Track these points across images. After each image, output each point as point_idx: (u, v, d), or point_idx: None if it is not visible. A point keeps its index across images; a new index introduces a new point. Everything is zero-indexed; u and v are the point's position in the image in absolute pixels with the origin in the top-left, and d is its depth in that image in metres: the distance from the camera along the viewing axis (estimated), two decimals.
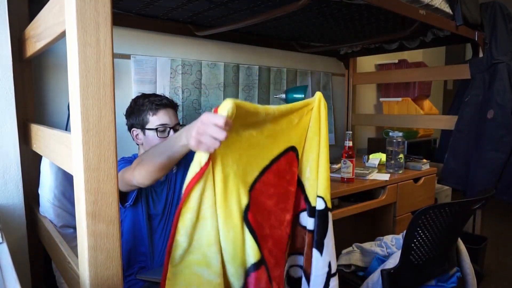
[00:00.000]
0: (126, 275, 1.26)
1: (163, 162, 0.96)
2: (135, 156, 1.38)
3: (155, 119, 1.30)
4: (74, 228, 1.25)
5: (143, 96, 1.35)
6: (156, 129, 1.30)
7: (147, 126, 1.31)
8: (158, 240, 1.37)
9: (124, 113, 1.37)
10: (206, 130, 0.78)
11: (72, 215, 1.23)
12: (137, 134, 1.34)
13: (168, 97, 1.40)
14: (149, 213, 1.34)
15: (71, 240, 1.20)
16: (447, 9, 1.70)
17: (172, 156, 0.95)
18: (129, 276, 1.25)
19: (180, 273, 0.85)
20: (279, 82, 2.29)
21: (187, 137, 0.84)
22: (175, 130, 1.34)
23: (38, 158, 1.34)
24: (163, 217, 1.38)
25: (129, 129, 1.36)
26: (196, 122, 0.81)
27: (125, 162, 1.31)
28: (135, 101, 1.34)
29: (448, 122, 2.19)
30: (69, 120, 1.48)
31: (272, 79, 2.24)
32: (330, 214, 1.09)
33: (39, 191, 1.26)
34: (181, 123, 1.40)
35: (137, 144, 1.40)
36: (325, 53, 2.55)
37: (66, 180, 1.25)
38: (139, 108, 1.32)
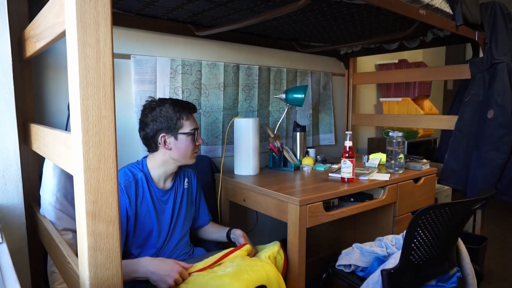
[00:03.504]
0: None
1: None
2: (143, 162, 1.37)
3: (189, 124, 1.33)
4: (75, 231, 1.24)
5: (166, 101, 1.33)
6: (192, 133, 1.33)
7: (182, 131, 1.32)
8: (164, 244, 1.38)
9: (142, 119, 1.34)
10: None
11: (74, 218, 1.23)
12: (166, 140, 1.32)
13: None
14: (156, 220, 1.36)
15: (70, 246, 1.19)
16: (447, 9, 1.70)
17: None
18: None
19: None
20: (279, 82, 2.29)
21: (155, 281, 1.14)
22: None
23: (38, 158, 1.34)
24: (171, 225, 1.39)
25: (151, 136, 1.32)
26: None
27: (126, 175, 1.31)
28: (159, 105, 1.31)
29: (448, 122, 2.19)
30: (69, 120, 1.48)
31: (272, 79, 2.24)
32: None
33: (41, 192, 1.25)
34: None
35: (150, 152, 1.36)
36: (325, 53, 2.55)
37: (68, 182, 1.24)
38: (170, 113, 1.30)
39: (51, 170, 1.21)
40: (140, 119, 1.36)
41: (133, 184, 1.30)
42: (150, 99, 1.37)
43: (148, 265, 1.16)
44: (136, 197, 1.30)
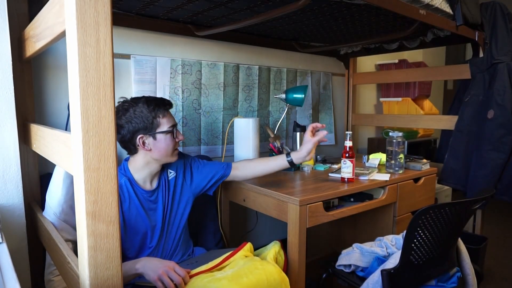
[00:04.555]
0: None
1: None
2: (125, 166, 1.32)
3: (166, 121, 1.29)
4: (75, 243, 1.23)
5: (139, 100, 1.27)
6: (171, 131, 1.29)
7: (159, 130, 1.27)
8: (159, 246, 1.37)
9: (116, 122, 1.28)
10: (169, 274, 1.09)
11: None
12: (144, 141, 1.27)
13: (166, 97, 1.39)
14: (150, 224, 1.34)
15: None
16: (447, 9, 1.70)
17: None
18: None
19: None
20: (279, 82, 2.29)
21: (148, 273, 1.11)
22: None
23: (38, 158, 1.34)
24: (164, 222, 1.38)
25: (128, 138, 1.26)
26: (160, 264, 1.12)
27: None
28: (132, 106, 1.25)
29: (448, 122, 2.19)
30: (69, 120, 1.48)
31: (272, 79, 2.24)
32: None
33: (46, 197, 1.24)
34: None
35: (130, 155, 1.32)
36: (325, 53, 2.55)
37: None
38: (144, 112, 1.25)
39: (61, 181, 1.19)
40: None
41: None
42: (122, 100, 1.29)
43: (146, 259, 1.16)
44: (121, 203, 1.27)
